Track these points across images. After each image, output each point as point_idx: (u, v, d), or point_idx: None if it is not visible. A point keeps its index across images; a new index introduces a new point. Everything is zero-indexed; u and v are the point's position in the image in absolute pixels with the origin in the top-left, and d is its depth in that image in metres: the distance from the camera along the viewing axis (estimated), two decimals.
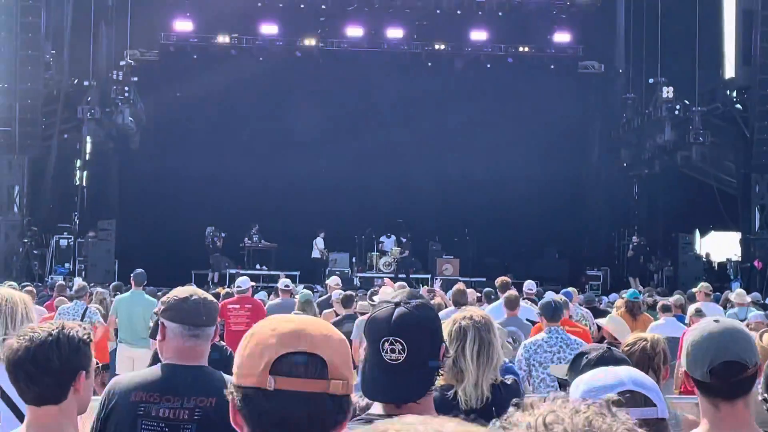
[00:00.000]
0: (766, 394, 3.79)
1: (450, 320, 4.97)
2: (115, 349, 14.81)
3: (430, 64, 35.78)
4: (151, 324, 12.43)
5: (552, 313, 9.82)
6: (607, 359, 3.97)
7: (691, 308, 13.23)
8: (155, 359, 4.95)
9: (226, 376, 4.55)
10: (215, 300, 4.75)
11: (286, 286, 16.88)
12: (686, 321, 13.01)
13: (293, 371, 2.21)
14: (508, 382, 4.94)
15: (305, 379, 2.21)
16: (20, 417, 4.30)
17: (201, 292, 4.66)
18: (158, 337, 4.56)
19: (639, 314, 13.57)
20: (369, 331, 3.14)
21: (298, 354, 2.23)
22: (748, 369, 3.58)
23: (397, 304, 3.12)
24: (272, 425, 2.21)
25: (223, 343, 8.72)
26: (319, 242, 31.54)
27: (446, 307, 12.63)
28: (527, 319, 12.81)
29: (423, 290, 15.94)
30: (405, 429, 1.66)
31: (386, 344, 3.05)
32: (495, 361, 4.91)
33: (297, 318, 2.38)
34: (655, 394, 3.07)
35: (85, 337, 3.70)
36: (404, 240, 32.03)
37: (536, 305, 14.66)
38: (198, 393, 4.31)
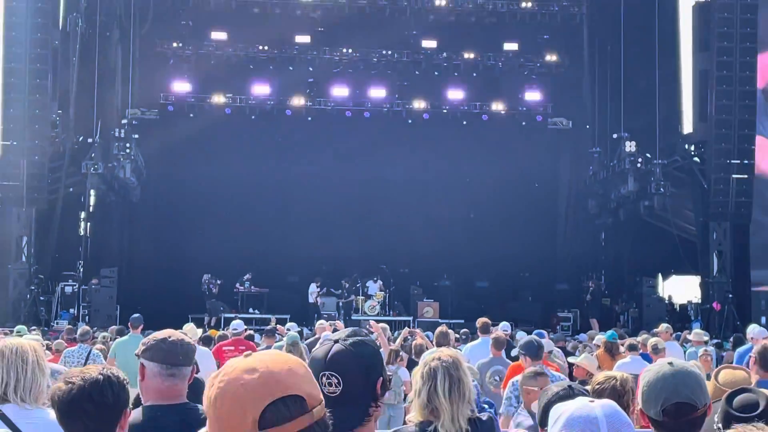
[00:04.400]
0: (720, 424, 3.82)
1: (421, 363, 5.02)
2: None
3: (410, 121, 35.96)
4: None
5: (535, 351, 9.83)
6: (567, 397, 3.98)
7: (649, 345, 13.22)
8: (136, 403, 4.91)
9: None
10: (192, 342, 4.72)
11: (289, 329, 17.05)
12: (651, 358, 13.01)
13: (279, 418, 2.12)
14: (484, 419, 4.94)
15: (293, 421, 2.12)
16: None
17: (178, 334, 4.65)
18: (138, 377, 4.55)
19: (617, 354, 13.50)
20: (310, 366, 3.00)
21: (278, 401, 2.12)
22: (697, 410, 3.62)
23: (335, 341, 3.14)
24: None
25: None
26: (312, 288, 31.51)
27: (428, 347, 12.62)
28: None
29: (404, 331, 15.92)
30: None
31: (323, 378, 3.03)
32: (467, 396, 4.92)
33: (256, 362, 2.20)
34: None
35: (125, 379, 3.73)
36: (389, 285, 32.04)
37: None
38: (185, 430, 4.27)
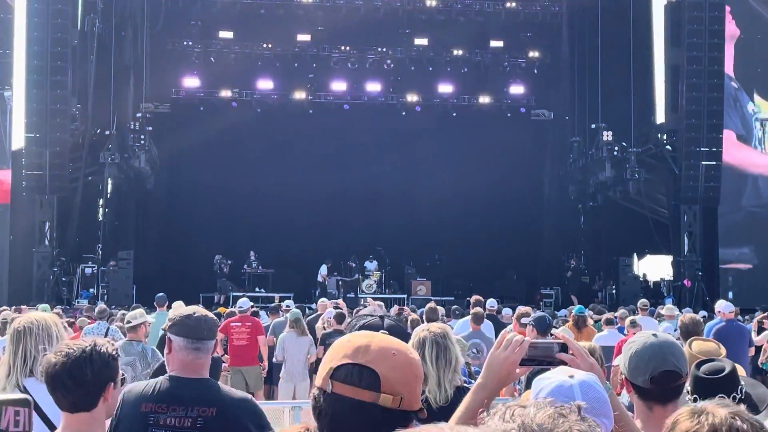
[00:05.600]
0: (689, 388, 3.85)
1: (413, 335, 5.02)
2: None
3: (404, 113, 35.95)
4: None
5: (544, 327, 9.82)
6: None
7: (627, 320, 13.36)
8: (159, 371, 4.92)
9: (226, 387, 4.55)
10: (215, 317, 4.73)
11: (287, 306, 17.03)
12: (625, 331, 13.06)
13: (348, 379, 2.17)
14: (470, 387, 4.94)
15: (357, 388, 2.16)
16: (51, 428, 4.28)
17: (203, 310, 4.65)
18: (165, 350, 4.54)
19: (584, 327, 13.64)
20: None
21: (355, 365, 2.18)
22: (682, 377, 3.63)
23: (382, 317, 3.12)
24: (328, 422, 2.18)
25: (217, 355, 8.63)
26: (322, 269, 31.49)
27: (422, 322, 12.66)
28: None
29: (394, 308, 15.95)
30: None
31: None
32: (453, 363, 4.92)
33: (373, 336, 2.29)
34: (606, 420, 2.73)
35: (114, 353, 3.70)
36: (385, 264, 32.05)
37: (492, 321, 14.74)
38: (200, 403, 4.25)
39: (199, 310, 4.65)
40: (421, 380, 2.29)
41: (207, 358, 4.47)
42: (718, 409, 2.51)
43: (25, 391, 4.47)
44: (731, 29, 31.12)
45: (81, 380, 3.55)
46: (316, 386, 2.24)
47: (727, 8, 30.55)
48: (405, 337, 3.21)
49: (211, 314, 4.67)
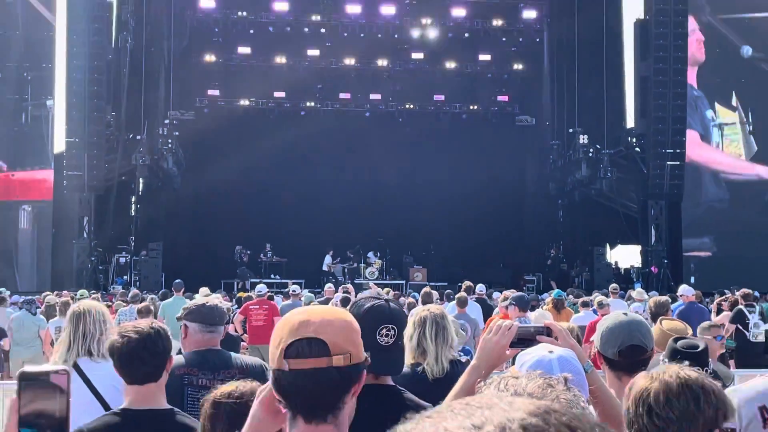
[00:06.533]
0: (666, 359, 3.91)
1: (414, 314, 5.07)
2: None
3: (401, 119, 35.99)
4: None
5: (524, 304, 9.88)
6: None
7: (596, 301, 13.50)
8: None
9: (238, 355, 4.76)
10: (223, 307, 4.92)
11: (294, 291, 16.96)
12: (596, 312, 13.11)
13: (300, 353, 2.16)
14: (463, 361, 4.98)
15: (310, 358, 2.16)
16: (105, 406, 4.31)
17: (213, 300, 4.83)
18: (181, 336, 4.63)
19: (562, 309, 13.74)
20: (368, 319, 3.01)
21: (303, 339, 2.17)
22: (647, 352, 3.67)
23: (387, 300, 3.14)
24: (294, 396, 2.18)
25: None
26: (327, 259, 31.49)
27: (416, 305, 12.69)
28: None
29: (391, 293, 15.96)
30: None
31: (384, 330, 3.03)
32: (449, 341, 4.95)
33: (308, 310, 2.30)
34: (582, 391, 2.79)
35: (169, 331, 3.81)
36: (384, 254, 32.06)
37: (480, 304, 14.75)
38: (224, 367, 4.48)
39: (210, 299, 4.83)
40: (359, 333, 2.27)
41: (218, 339, 4.64)
42: (671, 367, 2.55)
43: (77, 368, 4.50)
44: (698, 56, 31.44)
45: (155, 351, 3.60)
46: (273, 369, 2.22)
47: (701, 37, 30.86)
48: (405, 320, 3.22)
49: (220, 304, 4.84)
